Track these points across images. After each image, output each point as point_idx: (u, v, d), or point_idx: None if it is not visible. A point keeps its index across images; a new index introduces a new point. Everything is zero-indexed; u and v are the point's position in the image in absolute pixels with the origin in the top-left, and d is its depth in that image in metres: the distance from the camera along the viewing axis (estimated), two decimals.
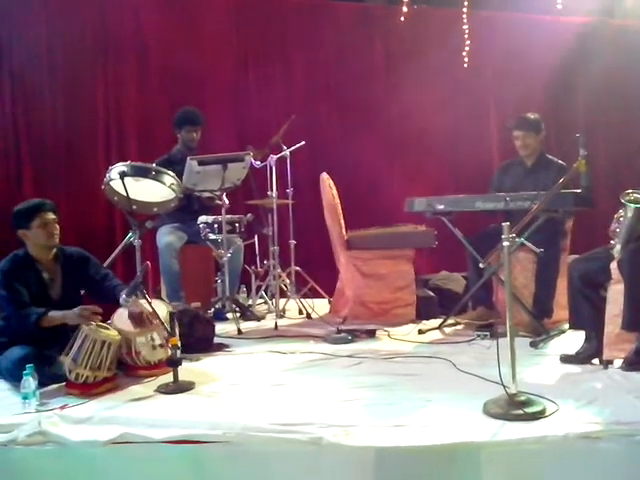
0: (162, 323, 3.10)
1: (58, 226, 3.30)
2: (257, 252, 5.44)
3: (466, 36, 5.34)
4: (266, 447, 2.30)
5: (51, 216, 3.26)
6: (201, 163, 4.22)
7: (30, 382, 2.73)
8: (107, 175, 3.93)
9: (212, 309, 4.59)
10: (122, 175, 3.81)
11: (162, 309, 3.26)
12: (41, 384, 2.84)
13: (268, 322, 4.57)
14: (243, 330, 4.20)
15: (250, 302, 5.10)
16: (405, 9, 4.75)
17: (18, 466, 2.36)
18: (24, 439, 2.38)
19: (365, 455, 2.25)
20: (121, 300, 3.18)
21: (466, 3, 5.00)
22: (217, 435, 2.33)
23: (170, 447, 2.31)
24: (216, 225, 4.52)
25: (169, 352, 3.11)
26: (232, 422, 2.42)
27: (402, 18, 4.81)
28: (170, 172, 4.02)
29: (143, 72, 5.86)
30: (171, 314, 3.06)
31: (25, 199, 3.48)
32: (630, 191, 2.91)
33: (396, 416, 2.51)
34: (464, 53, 5.47)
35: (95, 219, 5.65)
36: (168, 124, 5.20)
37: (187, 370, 3.14)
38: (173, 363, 2.98)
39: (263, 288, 5.15)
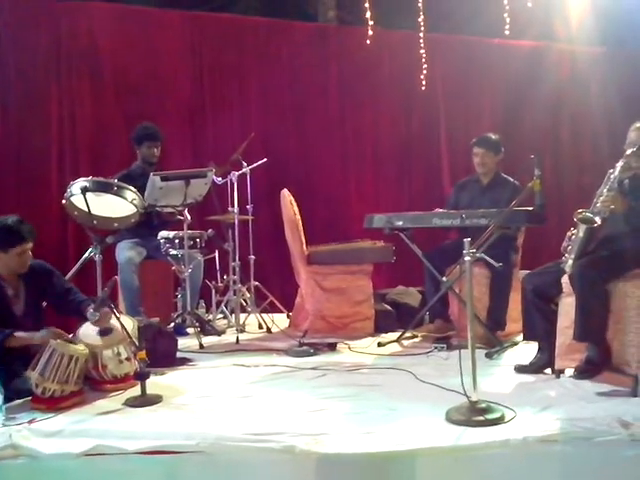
0: (130, 337, 3.12)
1: (31, 252, 3.29)
2: (217, 267, 5.46)
3: (423, 60, 5.53)
4: (240, 456, 2.36)
5: (30, 245, 3.25)
6: (164, 179, 4.23)
7: None
8: (68, 190, 3.93)
9: (172, 324, 4.60)
10: (84, 190, 3.83)
11: (129, 323, 3.27)
12: (6, 399, 2.80)
13: (229, 337, 4.58)
14: (204, 345, 4.22)
15: (210, 317, 5.11)
16: (370, 32, 4.89)
17: None
18: None
19: (336, 461, 2.33)
20: (88, 314, 3.18)
21: (422, 27, 5.19)
22: (191, 445, 2.37)
23: (144, 458, 2.34)
24: (177, 240, 4.54)
25: (135, 365, 3.14)
26: (205, 432, 2.46)
27: (368, 41, 4.94)
28: (131, 187, 4.05)
29: (97, 88, 5.78)
30: (139, 328, 3.09)
31: None
32: (581, 210, 3.08)
33: (364, 424, 2.60)
34: (422, 76, 5.65)
35: (47, 234, 5.53)
36: (122, 140, 5.17)
37: (153, 384, 3.14)
38: (141, 376, 2.99)
39: (223, 303, 5.17)
